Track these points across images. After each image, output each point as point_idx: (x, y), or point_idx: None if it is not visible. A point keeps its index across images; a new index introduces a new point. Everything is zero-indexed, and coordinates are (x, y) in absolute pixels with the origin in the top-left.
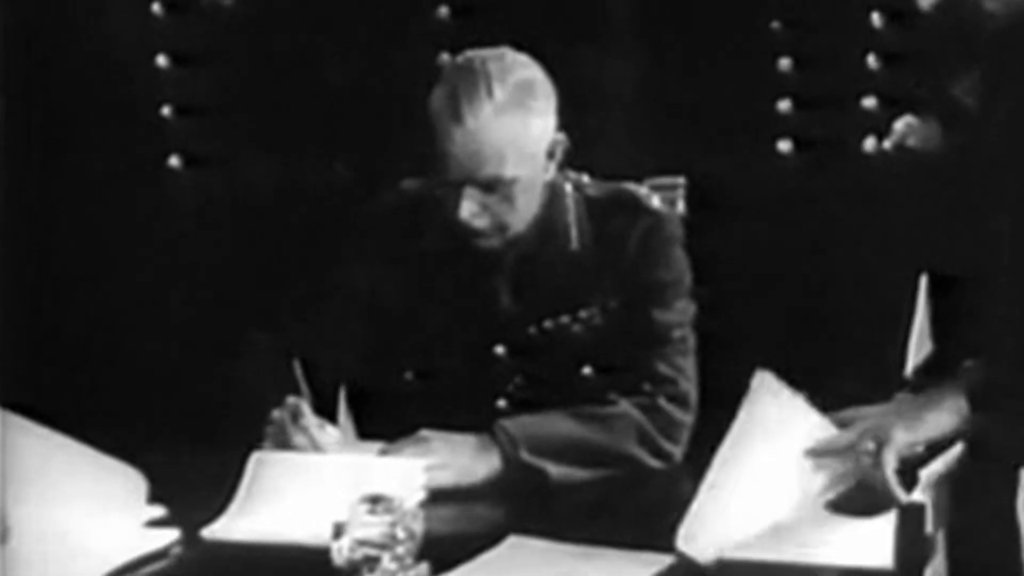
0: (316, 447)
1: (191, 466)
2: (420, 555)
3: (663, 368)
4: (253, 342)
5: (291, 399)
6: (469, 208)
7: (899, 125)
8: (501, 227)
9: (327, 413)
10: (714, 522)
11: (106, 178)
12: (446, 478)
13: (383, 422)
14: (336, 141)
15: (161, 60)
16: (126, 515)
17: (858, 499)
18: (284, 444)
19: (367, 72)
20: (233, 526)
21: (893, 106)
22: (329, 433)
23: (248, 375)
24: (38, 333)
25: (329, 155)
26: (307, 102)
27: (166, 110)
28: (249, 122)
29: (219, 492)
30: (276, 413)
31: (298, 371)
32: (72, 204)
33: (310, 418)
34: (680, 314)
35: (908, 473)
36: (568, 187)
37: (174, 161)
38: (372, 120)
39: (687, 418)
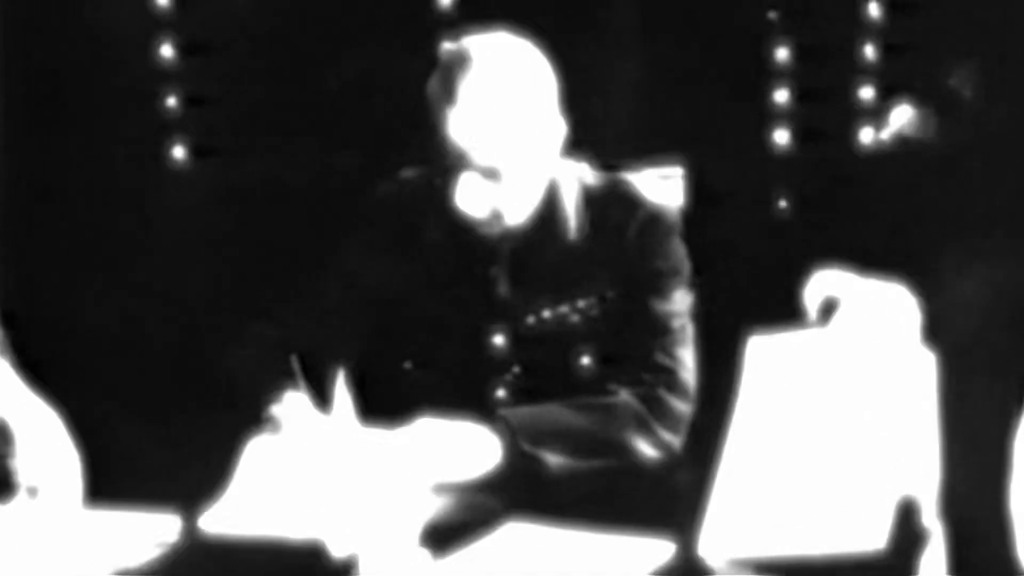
0: (313, 442)
1: (186, 455)
2: (419, 542)
3: (662, 358)
4: (252, 334)
5: (288, 394)
6: (467, 196)
7: (896, 115)
8: (499, 215)
9: (324, 408)
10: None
11: (109, 169)
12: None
13: (381, 411)
14: (339, 132)
15: (166, 50)
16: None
17: None
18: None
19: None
20: (228, 515)
21: (890, 96)
22: (325, 428)
23: (246, 368)
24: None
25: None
26: (310, 94)
27: (172, 100)
28: (252, 113)
29: (214, 481)
30: (273, 408)
31: (296, 366)
32: (74, 195)
33: (307, 413)
34: (678, 304)
35: None
36: (567, 177)
37: (178, 152)
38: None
39: (686, 408)
